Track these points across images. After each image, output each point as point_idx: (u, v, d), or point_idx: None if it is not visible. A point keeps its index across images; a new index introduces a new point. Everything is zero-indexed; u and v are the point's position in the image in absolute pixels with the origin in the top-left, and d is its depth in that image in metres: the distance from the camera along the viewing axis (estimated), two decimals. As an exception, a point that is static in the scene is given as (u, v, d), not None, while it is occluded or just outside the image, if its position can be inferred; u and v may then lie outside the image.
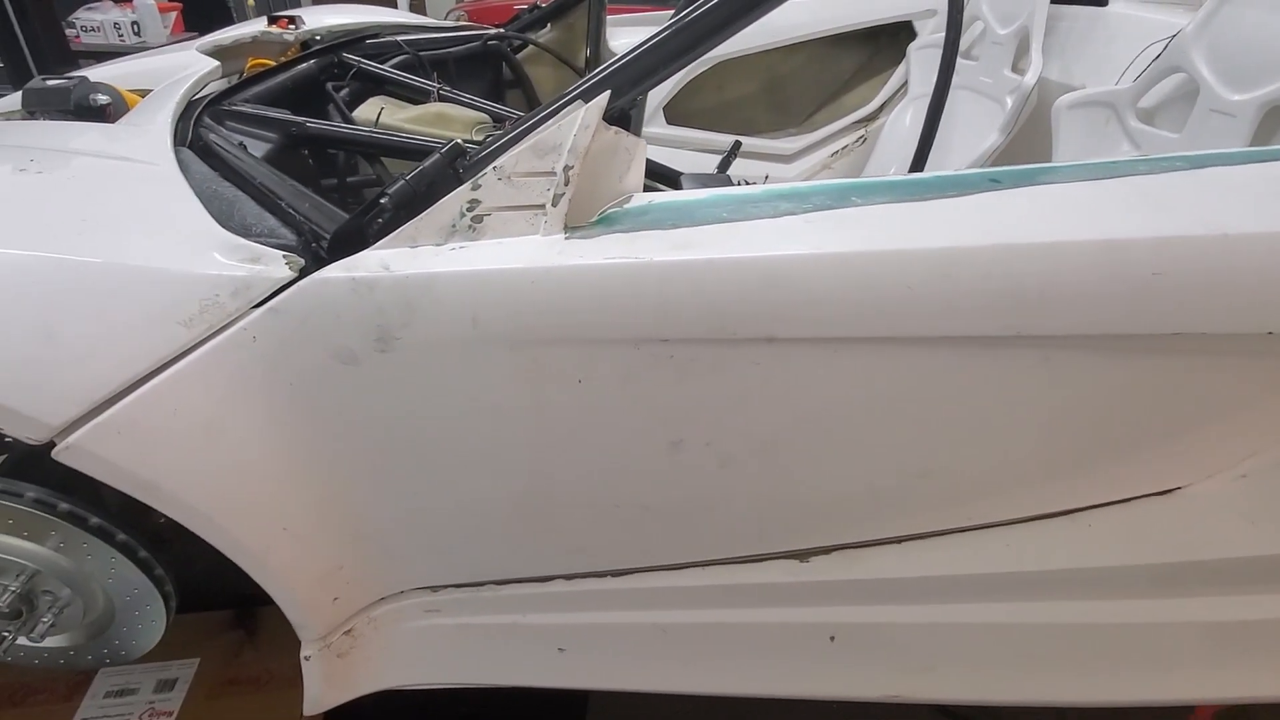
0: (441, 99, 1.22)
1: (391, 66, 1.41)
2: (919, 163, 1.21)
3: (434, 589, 0.90)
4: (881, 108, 2.10)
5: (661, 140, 2.02)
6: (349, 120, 1.17)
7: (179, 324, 0.67)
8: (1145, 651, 0.92)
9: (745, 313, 0.67)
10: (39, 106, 1.04)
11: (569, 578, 0.90)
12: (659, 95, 2.09)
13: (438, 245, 0.69)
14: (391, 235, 0.69)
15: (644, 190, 0.76)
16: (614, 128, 0.74)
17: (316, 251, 0.72)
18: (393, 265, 0.68)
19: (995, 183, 0.72)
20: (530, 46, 1.79)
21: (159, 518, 0.79)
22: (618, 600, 0.90)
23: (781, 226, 0.69)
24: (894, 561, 0.87)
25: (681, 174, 0.99)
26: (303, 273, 0.68)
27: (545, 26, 1.85)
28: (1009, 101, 1.57)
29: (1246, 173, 0.72)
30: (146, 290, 0.67)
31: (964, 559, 0.85)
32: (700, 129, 2.11)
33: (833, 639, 0.90)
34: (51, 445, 0.65)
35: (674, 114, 2.13)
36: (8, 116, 1.15)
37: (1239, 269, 0.66)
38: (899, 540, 0.86)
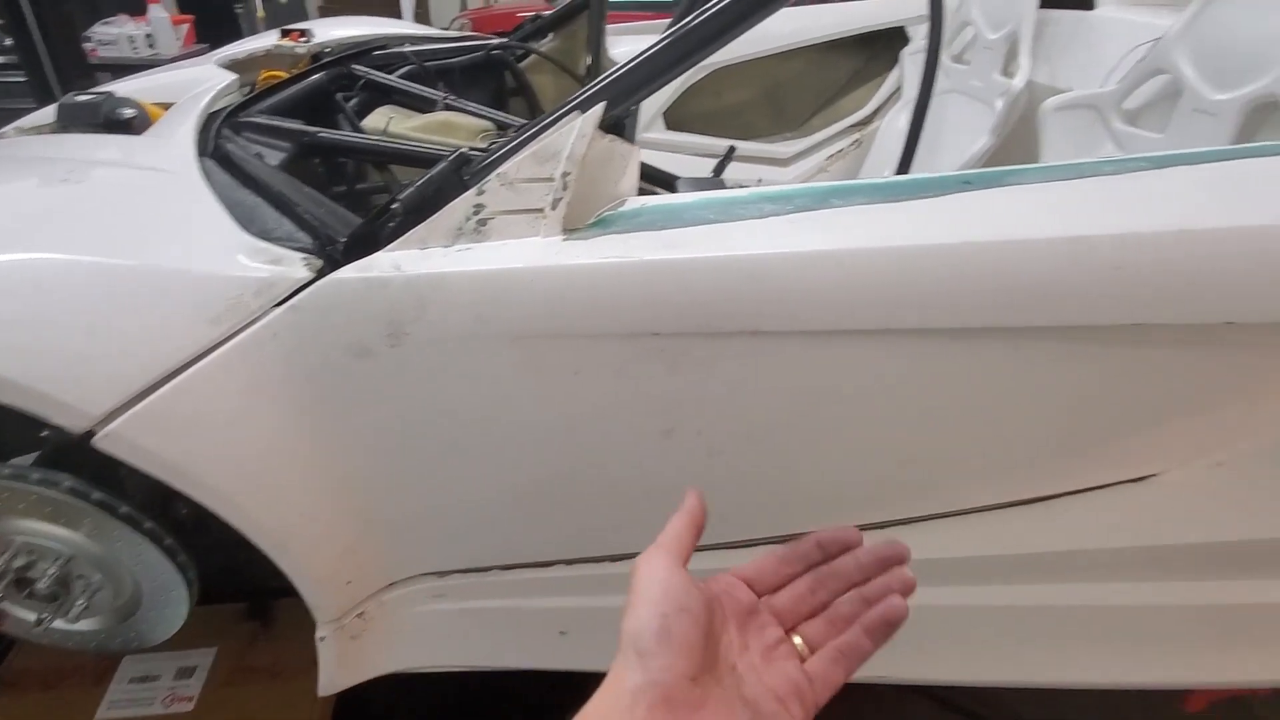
0: (447, 108, 1.27)
1: (399, 77, 1.47)
2: (905, 166, 1.26)
3: (441, 574, 0.95)
4: (876, 112, 2.14)
5: (662, 145, 2.07)
6: (358, 129, 1.22)
7: (207, 321, 0.72)
8: (1124, 634, 0.96)
9: (730, 308, 0.71)
10: (71, 121, 1.10)
11: (570, 563, 0.94)
12: (659, 101, 2.14)
13: (445, 247, 0.74)
14: (403, 238, 0.74)
15: (640, 194, 0.81)
16: (609, 135, 0.79)
17: (332, 254, 0.77)
18: (404, 266, 0.73)
19: (967, 184, 0.76)
20: (533, 55, 1.84)
21: (182, 509, 0.85)
22: (617, 584, 0.94)
23: (765, 227, 0.73)
24: (880, 546, 0.91)
25: (678, 178, 1.04)
26: (320, 273, 0.74)
27: (547, 36, 1.91)
28: (999, 104, 1.61)
29: (1207, 171, 0.76)
30: (177, 291, 0.72)
31: (945, 543, 0.89)
32: (699, 134, 2.16)
33: (822, 621, 0.94)
34: (90, 435, 0.71)
35: (674, 119, 2.18)
36: (39, 130, 1.21)
37: (1197, 262, 0.70)
38: (882, 525, 0.91)
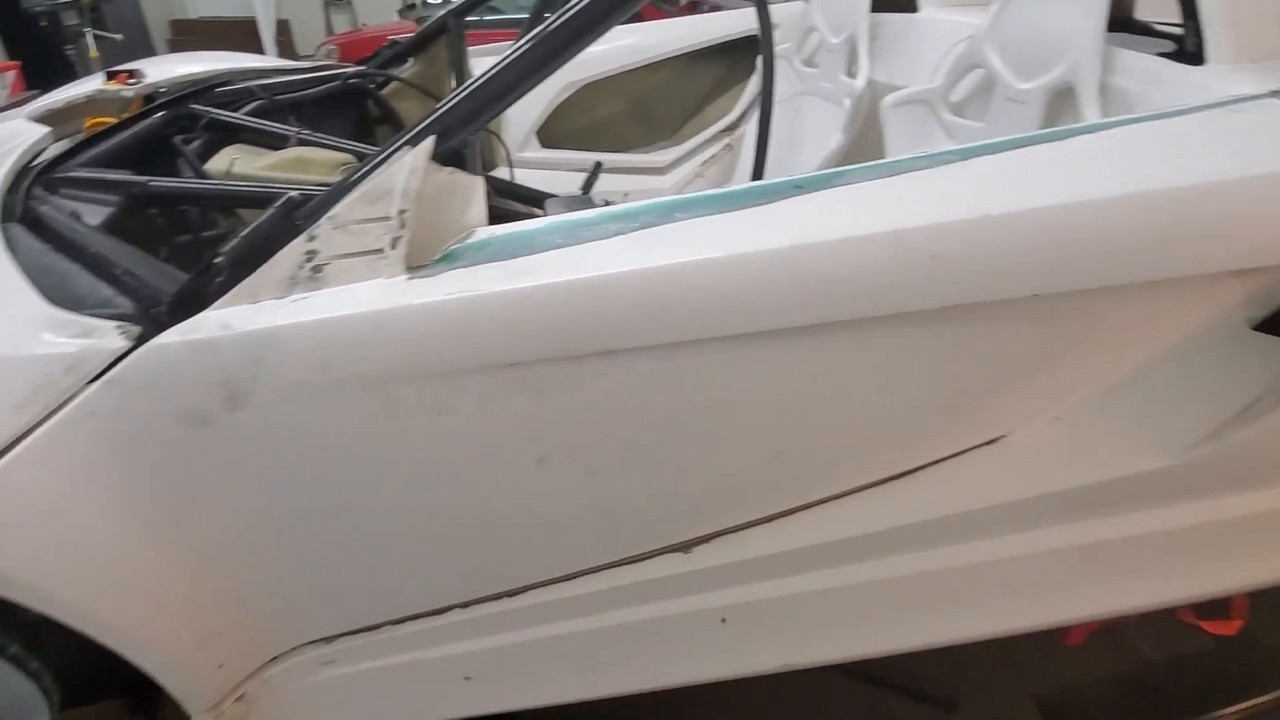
0: (301, 142, 1.21)
1: (246, 114, 1.39)
2: (758, 170, 1.31)
3: (327, 640, 0.90)
4: (742, 116, 2.23)
5: (536, 164, 2.07)
6: (201, 174, 1.15)
7: (10, 409, 0.65)
8: (1000, 586, 1.04)
9: (583, 330, 0.72)
10: None
11: (465, 605, 0.92)
12: (531, 120, 2.14)
13: (279, 299, 0.70)
14: (231, 293, 0.70)
15: (511, 217, 0.80)
16: (449, 168, 0.77)
17: (157, 317, 0.71)
18: (233, 323, 0.68)
19: (798, 189, 0.80)
20: (394, 82, 1.80)
21: (29, 611, 0.76)
22: (516, 619, 0.93)
23: (611, 247, 0.74)
24: (769, 539, 0.94)
25: (549, 197, 1.04)
26: (139, 341, 0.68)
27: (408, 61, 1.86)
28: (847, 104, 1.71)
29: (1007, 159, 0.84)
30: (-33, 379, 0.65)
31: (826, 527, 0.93)
32: (574, 149, 2.17)
33: (724, 621, 0.96)
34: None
35: (547, 137, 2.18)
36: None
37: (1000, 244, 0.77)
38: (769, 519, 0.94)
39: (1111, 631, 1.44)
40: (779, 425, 0.84)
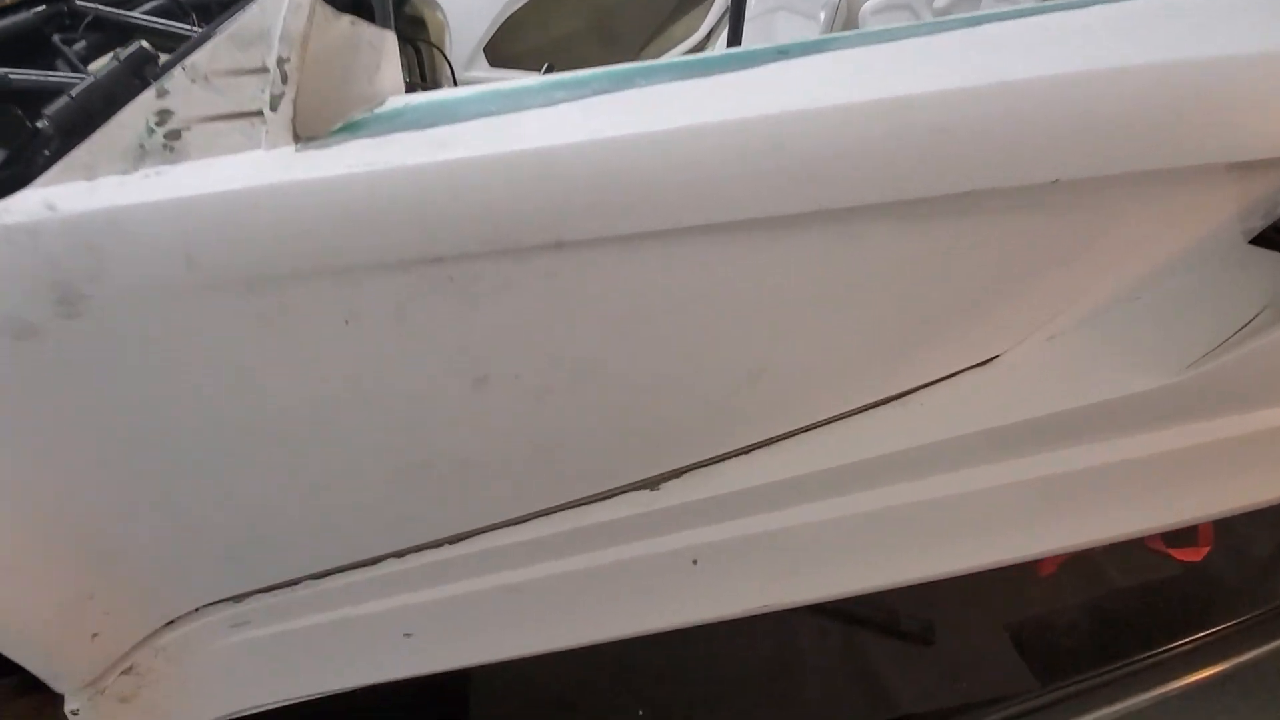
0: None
1: (142, 11, 1.17)
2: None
3: (237, 599, 0.77)
4: (709, 35, 2.06)
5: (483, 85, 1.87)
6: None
7: None
8: (988, 516, 0.97)
9: (524, 216, 0.58)
10: None
11: (400, 554, 0.79)
12: (477, 34, 1.93)
13: (124, 174, 0.54)
14: (59, 166, 0.54)
15: None
16: (348, 16, 0.61)
17: (-34, 204, 0.55)
18: (61, 203, 0.52)
19: (783, 54, 0.67)
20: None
21: None
22: (460, 569, 0.81)
23: (557, 115, 0.60)
24: (744, 472, 0.84)
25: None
26: (-67, 229, 0.52)
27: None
28: (821, 15, 1.57)
29: (1022, 25, 0.72)
30: None
31: (808, 458, 0.83)
32: (527, 69, 1.97)
33: (695, 562, 0.87)
34: None
35: (496, 55, 1.97)
36: None
37: (1018, 116, 0.65)
38: (746, 450, 0.83)
39: (1081, 560, 1.42)
40: (758, 337, 0.72)
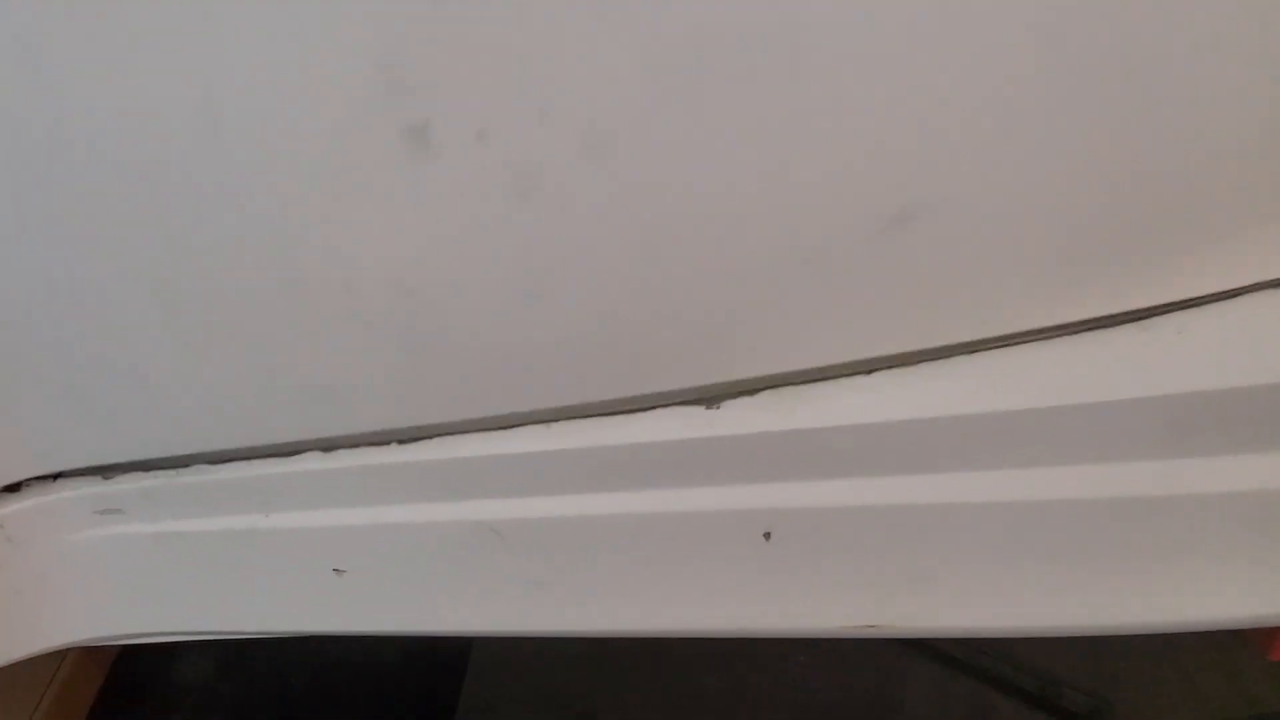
0: None
1: None
2: None
3: (105, 472, 0.54)
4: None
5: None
6: None
7: None
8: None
9: None
10: None
11: (328, 448, 0.54)
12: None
13: None
14: None
15: None
16: None
17: None
18: None
19: None
20: None
21: None
22: (416, 484, 0.55)
23: None
24: (860, 400, 0.52)
25: None
26: None
27: None
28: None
29: None
30: None
31: (976, 391, 0.50)
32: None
33: (768, 536, 0.56)
34: None
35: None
36: None
37: None
38: (868, 368, 0.52)
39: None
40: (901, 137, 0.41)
